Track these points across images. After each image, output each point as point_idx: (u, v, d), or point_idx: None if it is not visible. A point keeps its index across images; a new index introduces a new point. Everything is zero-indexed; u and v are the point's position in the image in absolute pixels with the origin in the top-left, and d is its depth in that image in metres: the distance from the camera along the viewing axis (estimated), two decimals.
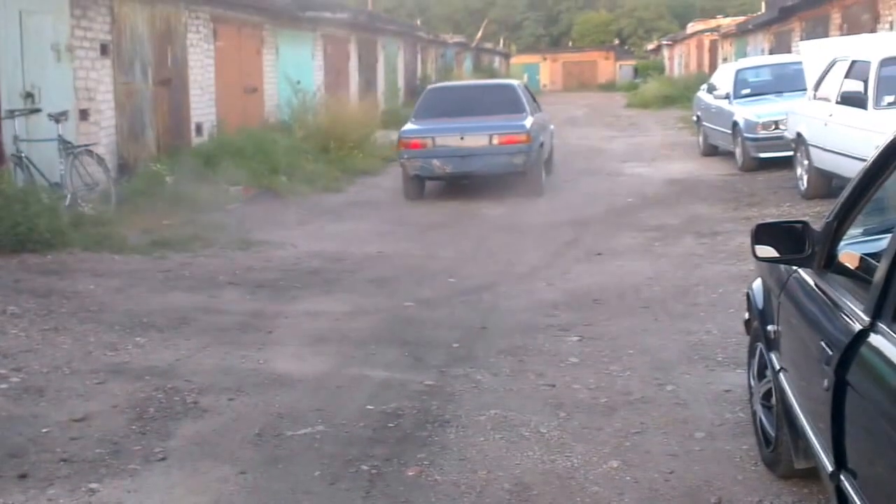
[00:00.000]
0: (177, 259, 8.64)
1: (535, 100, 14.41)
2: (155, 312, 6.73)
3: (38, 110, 9.78)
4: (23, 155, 9.30)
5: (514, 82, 15.26)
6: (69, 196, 9.58)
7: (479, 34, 51.15)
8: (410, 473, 4.10)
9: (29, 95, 9.83)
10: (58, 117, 9.75)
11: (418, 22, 44.02)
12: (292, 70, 18.35)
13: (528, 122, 12.73)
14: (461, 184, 13.46)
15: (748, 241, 3.51)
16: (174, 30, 13.46)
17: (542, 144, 13.10)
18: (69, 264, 8.02)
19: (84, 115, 10.95)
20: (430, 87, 15.78)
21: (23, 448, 4.34)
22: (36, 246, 8.12)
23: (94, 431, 4.55)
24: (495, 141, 12.40)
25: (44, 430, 4.55)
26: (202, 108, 14.51)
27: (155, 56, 12.81)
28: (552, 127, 15.42)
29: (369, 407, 4.89)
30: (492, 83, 17.67)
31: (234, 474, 4.10)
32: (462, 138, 12.44)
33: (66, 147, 9.83)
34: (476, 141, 12.42)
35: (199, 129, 14.33)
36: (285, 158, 13.44)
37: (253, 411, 4.84)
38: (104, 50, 11.34)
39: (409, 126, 13.14)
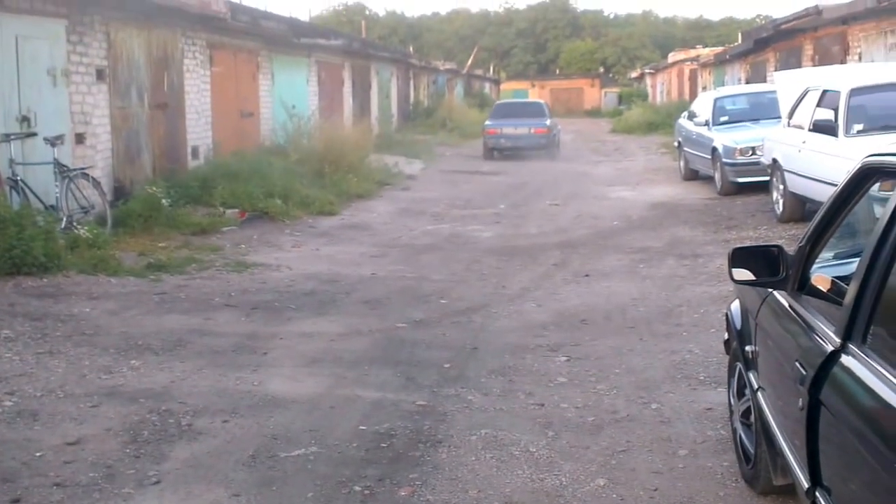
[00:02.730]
0: (172, 281, 8.69)
1: (550, 111, 26.71)
2: (150, 335, 6.78)
3: (34, 134, 9.83)
4: (18, 178, 9.32)
5: (542, 101, 29.29)
6: (65, 219, 9.58)
7: (470, 61, 51.74)
8: (403, 493, 4.16)
9: (25, 119, 9.90)
10: (53, 141, 9.80)
11: (411, 49, 44.40)
12: (287, 95, 18.50)
13: (549, 122, 24.84)
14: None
15: (727, 263, 3.59)
16: (171, 55, 13.58)
17: (555, 134, 25.21)
18: (64, 287, 8.06)
19: (80, 138, 11.01)
20: (498, 102, 31.82)
21: (16, 472, 4.35)
22: (31, 269, 8.15)
23: (87, 455, 4.56)
24: (532, 131, 24.25)
25: (37, 454, 4.56)
26: (198, 131, 14.62)
27: (151, 81, 12.91)
28: (559, 126, 27.24)
29: (362, 427, 4.95)
30: (530, 101, 32.06)
31: (227, 497, 4.14)
32: (516, 129, 24.25)
33: (61, 170, 9.86)
34: (523, 130, 24.24)
35: (195, 152, 14.42)
36: (280, 182, 13.52)
37: (247, 433, 4.88)
38: (100, 75, 11.42)
39: (488, 122, 25.19)
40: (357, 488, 4.20)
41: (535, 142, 24.17)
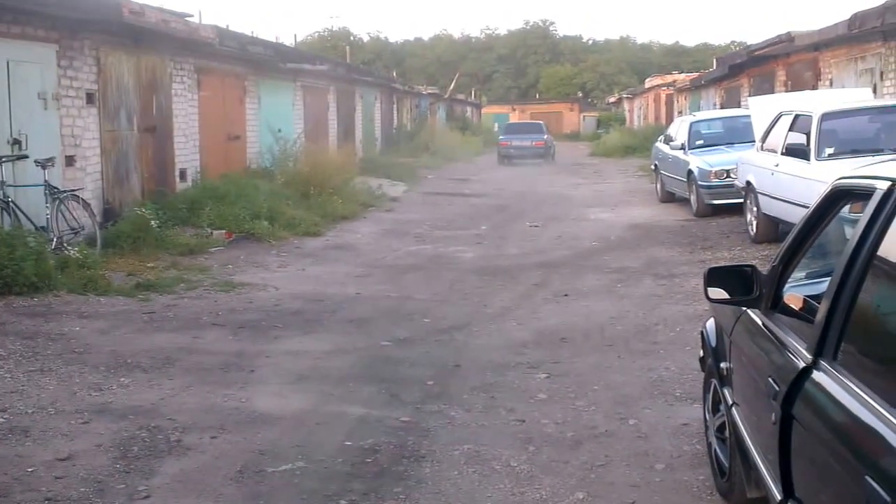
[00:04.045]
0: (161, 301, 8.76)
1: (548, 129, 36.63)
2: (139, 353, 6.84)
3: (24, 156, 9.92)
4: (9, 200, 9.43)
5: (541, 122, 38.54)
6: (55, 240, 9.66)
7: (452, 86, 52.37)
8: None
9: (16, 142, 9.98)
10: (44, 163, 9.90)
11: (394, 73, 44.77)
12: (273, 118, 18.62)
13: (546, 137, 34.62)
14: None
15: (702, 282, 3.66)
16: (159, 80, 13.71)
17: (550, 146, 34.40)
18: (55, 307, 8.11)
19: (70, 161, 11.11)
20: (508, 123, 43.97)
21: (8, 487, 4.40)
22: (22, 289, 8.21)
23: (78, 470, 4.62)
24: (533, 144, 33.41)
25: (29, 470, 4.61)
26: (186, 154, 14.72)
27: (140, 104, 13.02)
28: (553, 141, 36.45)
29: (347, 443, 5.03)
30: (532, 122, 40.35)
31: None
32: (521, 142, 33.45)
33: (52, 192, 9.96)
34: (526, 143, 33.37)
35: (183, 174, 14.53)
36: (266, 203, 13.62)
37: (235, 449, 4.95)
38: (90, 98, 11.53)
39: (501, 137, 35.22)
40: (343, 502, 4.28)
41: (535, 151, 33.38)
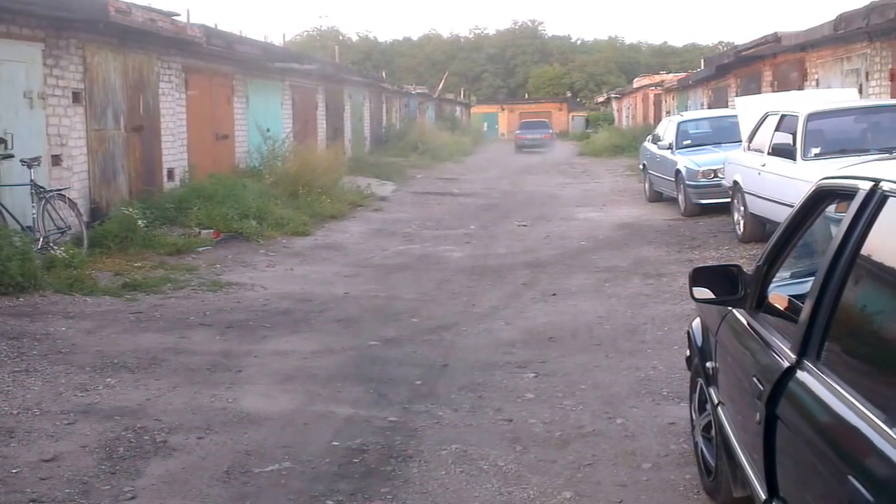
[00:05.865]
0: (148, 301, 8.73)
1: (551, 125, 53.03)
2: (126, 353, 6.82)
3: (10, 156, 9.89)
4: None
5: (546, 120, 53.75)
6: (41, 239, 9.63)
7: (441, 85, 53.03)
8: None
9: (1, 141, 9.93)
10: (30, 163, 9.86)
11: (383, 73, 44.85)
12: (262, 118, 18.59)
13: (550, 131, 50.05)
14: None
15: (688, 282, 3.65)
16: (146, 79, 13.65)
17: (553, 138, 49.02)
18: (41, 307, 8.09)
19: (56, 160, 11.06)
20: (522, 121, 54.80)
21: None
22: (7, 289, 8.19)
23: (63, 472, 4.61)
24: (542, 136, 47.46)
25: (13, 471, 4.60)
26: (174, 154, 14.68)
27: (127, 104, 12.97)
28: (555, 133, 52.34)
29: (335, 443, 5.03)
30: (540, 120, 52.65)
31: None
32: (532, 135, 47.52)
33: (38, 191, 9.92)
34: (537, 136, 47.34)
35: (170, 174, 14.49)
36: (255, 203, 13.60)
37: (221, 449, 4.95)
38: (76, 97, 11.48)
39: (517, 131, 50.28)
40: (330, 503, 4.28)
41: (543, 142, 45.28)
